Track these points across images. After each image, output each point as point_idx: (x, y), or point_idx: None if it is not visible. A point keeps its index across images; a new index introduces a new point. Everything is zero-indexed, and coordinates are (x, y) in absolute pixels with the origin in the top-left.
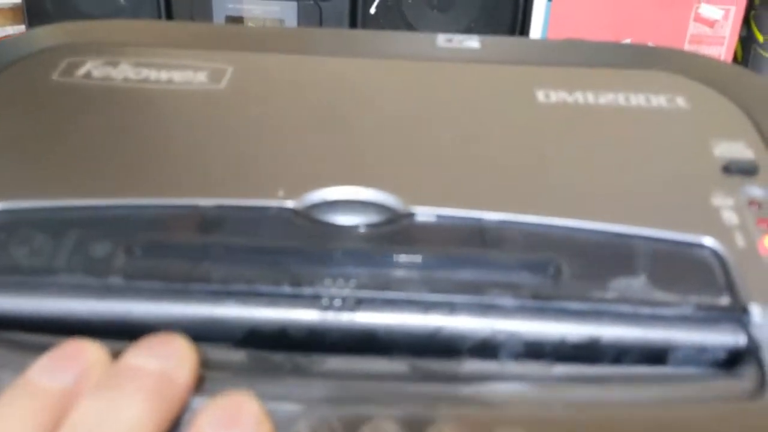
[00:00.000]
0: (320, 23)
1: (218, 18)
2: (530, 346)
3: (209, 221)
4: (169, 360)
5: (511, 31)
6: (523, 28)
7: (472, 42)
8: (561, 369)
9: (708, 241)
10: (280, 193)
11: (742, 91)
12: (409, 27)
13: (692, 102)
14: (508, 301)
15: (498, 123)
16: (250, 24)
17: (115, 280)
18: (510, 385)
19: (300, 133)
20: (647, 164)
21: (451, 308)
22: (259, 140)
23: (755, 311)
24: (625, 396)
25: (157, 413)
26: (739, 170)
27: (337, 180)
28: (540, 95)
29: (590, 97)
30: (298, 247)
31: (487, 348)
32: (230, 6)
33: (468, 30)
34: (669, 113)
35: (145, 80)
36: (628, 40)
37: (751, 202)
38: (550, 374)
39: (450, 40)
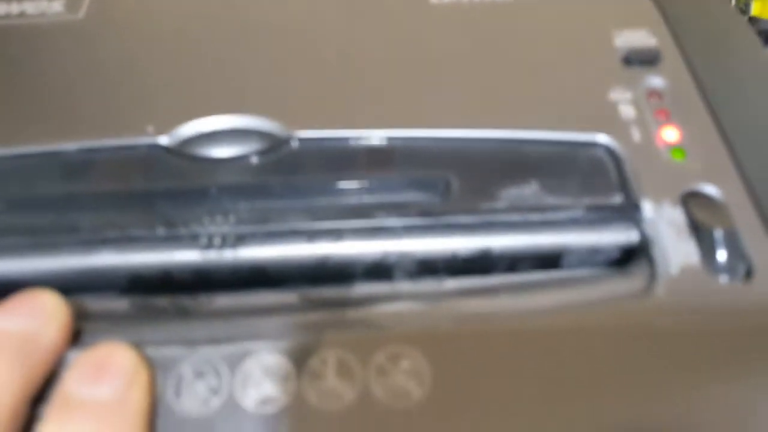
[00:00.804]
0: None
1: None
2: (423, 264)
3: (74, 166)
4: (34, 318)
5: None
6: None
7: None
8: (452, 283)
9: (602, 138)
10: (149, 129)
11: None
12: None
13: None
14: (395, 221)
15: (386, 31)
16: None
17: None
18: (399, 305)
19: (167, 62)
20: (543, 61)
21: (338, 235)
22: (122, 74)
23: (646, 207)
24: (515, 304)
25: (19, 374)
26: (640, 60)
27: (210, 109)
28: None
29: None
30: (172, 187)
31: (379, 271)
32: None
33: None
34: (570, 3)
35: None
36: None
37: (651, 94)
38: (441, 289)
39: None
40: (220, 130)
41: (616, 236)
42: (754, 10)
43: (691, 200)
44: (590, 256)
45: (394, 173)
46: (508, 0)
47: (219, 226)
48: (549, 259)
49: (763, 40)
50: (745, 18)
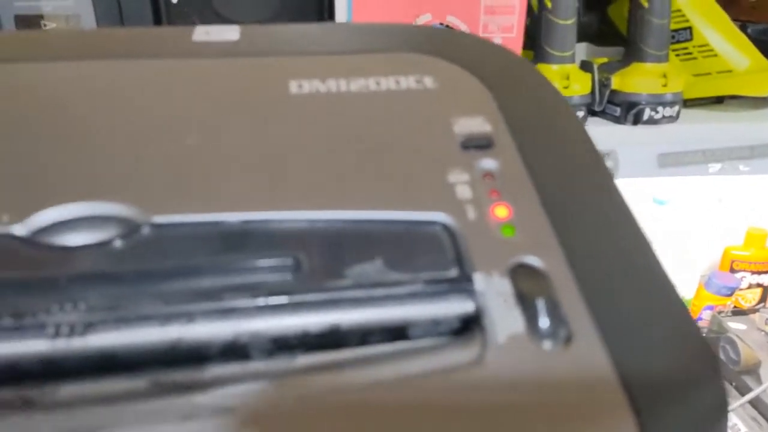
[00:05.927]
0: (120, 16)
1: (7, 18)
2: (276, 343)
3: None
4: None
5: (319, 16)
6: (331, 12)
7: (232, 33)
8: (304, 360)
9: (439, 216)
10: (4, 218)
11: (487, 67)
12: (217, 15)
13: (439, 81)
14: (245, 302)
15: (245, 121)
16: (47, 23)
17: None
18: (247, 386)
19: (29, 150)
20: (391, 149)
21: (189, 317)
22: None
23: (478, 279)
24: (359, 378)
25: None
26: (476, 145)
27: (65, 197)
28: (293, 86)
29: (342, 85)
30: (22, 277)
31: (233, 351)
32: (18, 4)
33: (275, 17)
34: (416, 94)
35: None
36: (428, 16)
37: (486, 175)
38: (292, 367)
39: (208, 33)
40: (73, 218)
41: (453, 307)
42: (614, 84)
43: (517, 272)
44: (433, 327)
45: (247, 255)
46: (363, 89)
47: (68, 315)
48: (395, 332)
49: (624, 111)
50: (607, 91)
